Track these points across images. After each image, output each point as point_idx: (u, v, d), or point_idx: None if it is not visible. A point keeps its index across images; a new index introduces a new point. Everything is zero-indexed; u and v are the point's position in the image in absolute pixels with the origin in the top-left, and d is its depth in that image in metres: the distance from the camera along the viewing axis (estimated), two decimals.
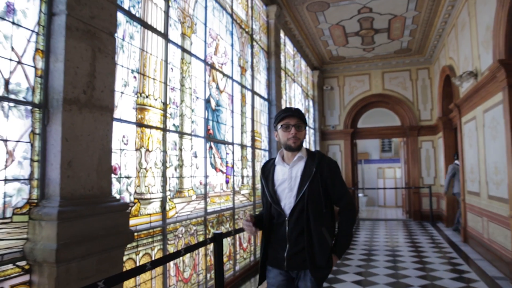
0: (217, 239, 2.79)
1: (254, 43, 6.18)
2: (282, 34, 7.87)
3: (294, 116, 2.14)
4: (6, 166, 2.02)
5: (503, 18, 4.46)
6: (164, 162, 3.44)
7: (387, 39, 9.44)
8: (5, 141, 2.02)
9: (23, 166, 2.11)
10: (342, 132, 11.62)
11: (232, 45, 5.26)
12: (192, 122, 4.02)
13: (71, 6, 2.28)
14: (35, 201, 2.16)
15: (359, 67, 11.43)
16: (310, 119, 10.99)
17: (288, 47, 8.62)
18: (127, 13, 2.99)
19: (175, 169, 3.66)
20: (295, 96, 9.22)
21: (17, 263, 2.05)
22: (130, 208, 2.92)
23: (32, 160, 2.15)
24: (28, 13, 2.18)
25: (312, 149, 10.62)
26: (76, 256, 2.14)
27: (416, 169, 10.90)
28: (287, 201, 2.16)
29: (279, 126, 2.19)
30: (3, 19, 2.04)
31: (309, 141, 10.78)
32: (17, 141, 2.09)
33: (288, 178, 2.18)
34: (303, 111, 8.56)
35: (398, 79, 11.22)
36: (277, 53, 7.00)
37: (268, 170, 2.29)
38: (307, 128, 2.11)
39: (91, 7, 2.43)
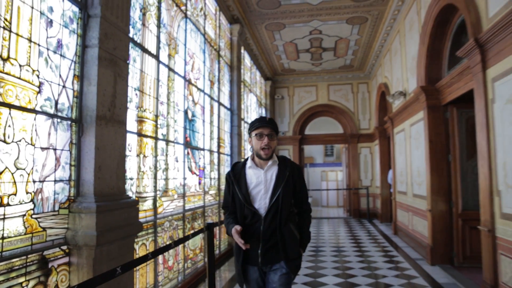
0: (210, 228, 3.45)
1: (220, 59, 6.88)
2: (242, 49, 8.63)
3: (268, 126, 2.29)
4: (55, 170, 2.54)
5: (423, 53, 5.63)
6: (155, 166, 4.02)
7: (333, 57, 10.62)
8: (55, 149, 2.54)
9: (65, 169, 2.64)
10: (291, 138, 12.64)
11: (204, 61, 5.91)
12: (175, 131, 4.63)
13: (101, 40, 2.84)
14: (72, 198, 2.69)
15: (308, 79, 12.56)
16: None
17: (246, 60, 9.41)
18: (133, 42, 3.56)
19: (163, 172, 4.25)
20: (251, 105, 10.02)
21: (61, 247, 2.57)
22: (138, 204, 3.49)
23: (70, 165, 2.68)
24: (70, 46, 2.71)
25: None
26: (108, 241, 2.71)
27: (355, 172, 12.24)
28: (262, 202, 2.29)
29: (253, 134, 2.32)
30: (55, 52, 2.57)
31: None
32: (62, 150, 2.61)
33: (264, 181, 2.32)
34: None
35: (342, 91, 12.52)
36: (239, 67, 7.75)
37: (238, 173, 2.38)
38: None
39: (114, 40, 3.00)
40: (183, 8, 5.03)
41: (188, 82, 5.13)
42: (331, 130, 12.92)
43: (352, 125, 12.35)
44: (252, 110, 10.19)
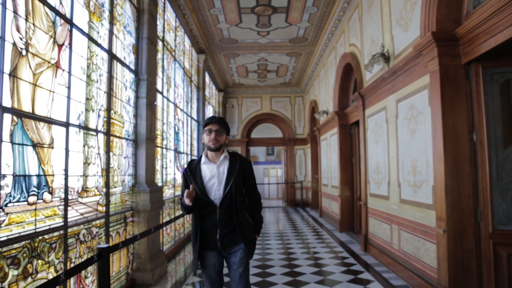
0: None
1: (192, 83, 8.98)
2: (205, 73, 10.75)
3: (216, 123, 2.53)
4: (127, 169, 4.58)
5: (337, 88, 8.29)
6: (161, 166, 6.10)
7: (275, 76, 13.13)
8: (127, 157, 4.59)
9: (131, 168, 4.68)
10: (239, 140, 14.96)
11: (183, 88, 8.00)
12: (169, 141, 6.71)
13: (146, 93, 4.91)
14: (134, 184, 4.73)
15: (254, 92, 14.96)
16: None
17: (206, 78, 11.53)
18: (161, 94, 5.62)
19: (164, 169, 6.33)
20: (209, 113, 12.15)
21: (131, 211, 4.62)
22: (163, 189, 5.56)
23: (133, 166, 4.73)
24: (131, 98, 4.75)
25: None
26: (153, 209, 4.80)
27: (292, 170, 14.93)
28: (217, 193, 2.52)
29: (204, 130, 2.56)
30: (127, 103, 4.60)
31: None
32: (129, 157, 4.65)
33: (217, 174, 2.54)
34: None
35: (282, 102, 15.10)
36: (203, 87, 9.90)
37: (194, 168, 2.59)
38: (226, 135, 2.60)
39: (151, 92, 5.07)
40: (173, 54, 7.10)
41: (175, 106, 7.21)
42: (273, 134, 15.48)
43: (290, 130, 15.00)
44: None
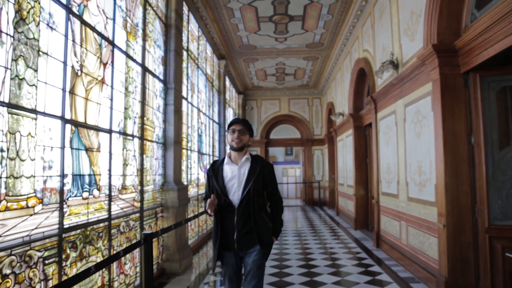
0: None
1: (213, 88, 9.50)
2: (226, 78, 11.27)
3: (239, 124, 2.63)
4: (158, 169, 5.11)
5: (352, 92, 8.63)
6: (186, 166, 6.62)
7: (294, 79, 13.53)
8: (157, 159, 5.12)
9: (161, 169, 5.21)
10: (259, 141, 15.42)
11: (206, 93, 8.53)
12: (193, 144, 7.24)
13: (174, 100, 5.43)
14: (164, 183, 5.26)
15: (273, 94, 15.40)
16: None
17: (227, 82, 12.05)
18: (186, 99, 6.15)
19: (189, 169, 6.85)
20: (229, 116, 12.67)
21: (160, 207, 5.15)
22: (188, 187, 6.08)
23: (162, 167, 5.26)
24: (160, 105, 5.28)
25: None
26: (180, 205, 5.31)
27: (310, 170, 15.28)
28: (236, 194, 2.56)
29: (228, 131, 2.65)
30: (157, 110, 5.14)
31: None
32: (159, 159, 5.19)
33: (237, 175, 2.60)
34: None
35: (300, 104, 15.48)
36: (224, 92, 10.41)
37: (217, 168, 2.66)
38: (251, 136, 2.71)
39: (178, 99, 5.59)
40: (196, 61, 7.63)
41: (199, 110, 7.74)
42: (291, 135, 15.88)
43: (308, 131, 15.36)
44: (229, 119, 12.87)
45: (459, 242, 3.89)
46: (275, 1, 7.26)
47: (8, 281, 2.25)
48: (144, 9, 4.76)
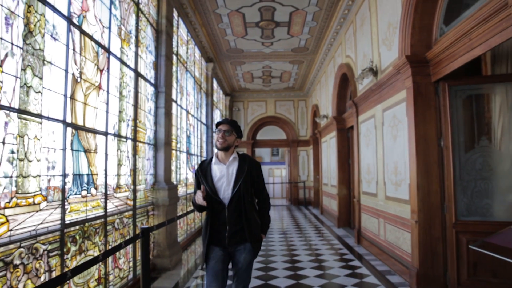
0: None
1: (201, 90, 9.74)
2: (213, 80, 11.51)
3: (226, 124, 2.69)
4: (149, 169, 5.34)
5: (335, 95, 9.00)
6: (176, 166, 6.85)
7: (280, 81, 13.86)
8: (148, 159, 5.34)
9: (152, 169, 5.44)
10: (246, 142, 15.69)
11: (194, 95, 8.76)
12: (182, 145, 7.47)
13: (164, 103, 5.66)
14: (155, 183, 5.49)
15: (259, 96, 15.70)
16: None
17: (214, 84, 12.29)
18: (175, 102, 6.38)
19: (178, 169, 7.08)
20: (217, 118, 12.91)
21: (151, 206, 5.37)
22: (177, 187, 6.30)
23: (153, 167, 5.48)
24: (152, 108, 5.51)
25: None
26: (171, 204, 5.55)
27: (296, 170, 15.63)
28: (226, 192, 2.61)
29: (215, 130, 2.71)
30: (149, 112, 5.37)
31: None
32: (150, 159, 5.41)
33: (226, 174, 2.64)
34: None
35: (286, 106, 15.82)
36: (211, 94, 10.66)
37: (205, 168, 2.70)
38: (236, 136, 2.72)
39: (168, 102, 5.82)
40: (185, 65, 7.86)
41: (187, 112, 7.97)
42: (277, 136, 16.21)
43: (293, 133, 15.71)
44: (216, 120, 13.11)
45: (429, 236, 4.25)
46: (262, 8, 7.56)
47: (18, 271, 2.47)
48: (137, 17, 4.98)
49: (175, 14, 6.90)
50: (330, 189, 10.35)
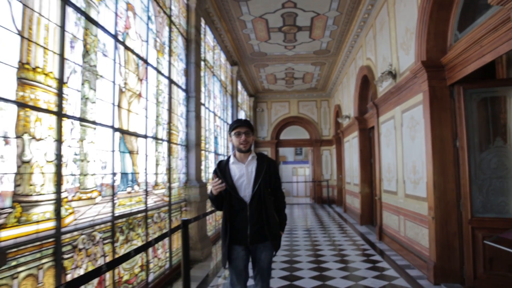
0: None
1: (227, 92, 10.17)
2: (238, 83, 11.93)
3: (243, 126, 2.68)
4: (182, 168, 5.79)
5: (357, 96, 9.22)
6: (205, 165, 7.29)
7: (302, 82, 14.13)
8: (181, 159, 5.80)
9: (184, 168, 5.89)
10: (269, 142, 16.06)
11: (220, 98, 9.21)
12: (210, 145, 7.91)
13: (195, 107, 6.10)
14: (187, 181, 5.94)
15: (282, 97, 16.02)
16: None
17: (239, 87, 12.72)
18: (204, 105, 6.83)
19: (207, 169, 7.53)
20: (241, 117, 13.34)
21: (184, 202, 5.83)
22: (207, 184, 6.74)
23: (185, 166, 5.93)
24: (183, 112, 5.96)
25: None
26: (202, 200, 5.98)
27: (319, 169, 15.86)
28: (246, 191, 2.66)
29: (232, 133, 2.70)
30: (181, 116, 5.82)
31: None
32: (183, 159, 5.86)
33: (245, 173, 2.68)
34: None
35: (308, 106, 16.07)
36: (236, 95, 11.08)
37: (223, 168, 2.73)
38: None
39: (198, 106, 6.26)
40: (212, 70, 8.31)
41: (214, 114, 8.42)
42: (300, 136, 16.49)
43: (316, 132, 15.94)
44: None
45: (446, 232, 4.48)
46: (284, 14, 7.89)
47: (81, 254, 2.94)
48: (170, 28, 5.44)
49: (202, 22, 7.34)
50: (353, 188, 10.57)
